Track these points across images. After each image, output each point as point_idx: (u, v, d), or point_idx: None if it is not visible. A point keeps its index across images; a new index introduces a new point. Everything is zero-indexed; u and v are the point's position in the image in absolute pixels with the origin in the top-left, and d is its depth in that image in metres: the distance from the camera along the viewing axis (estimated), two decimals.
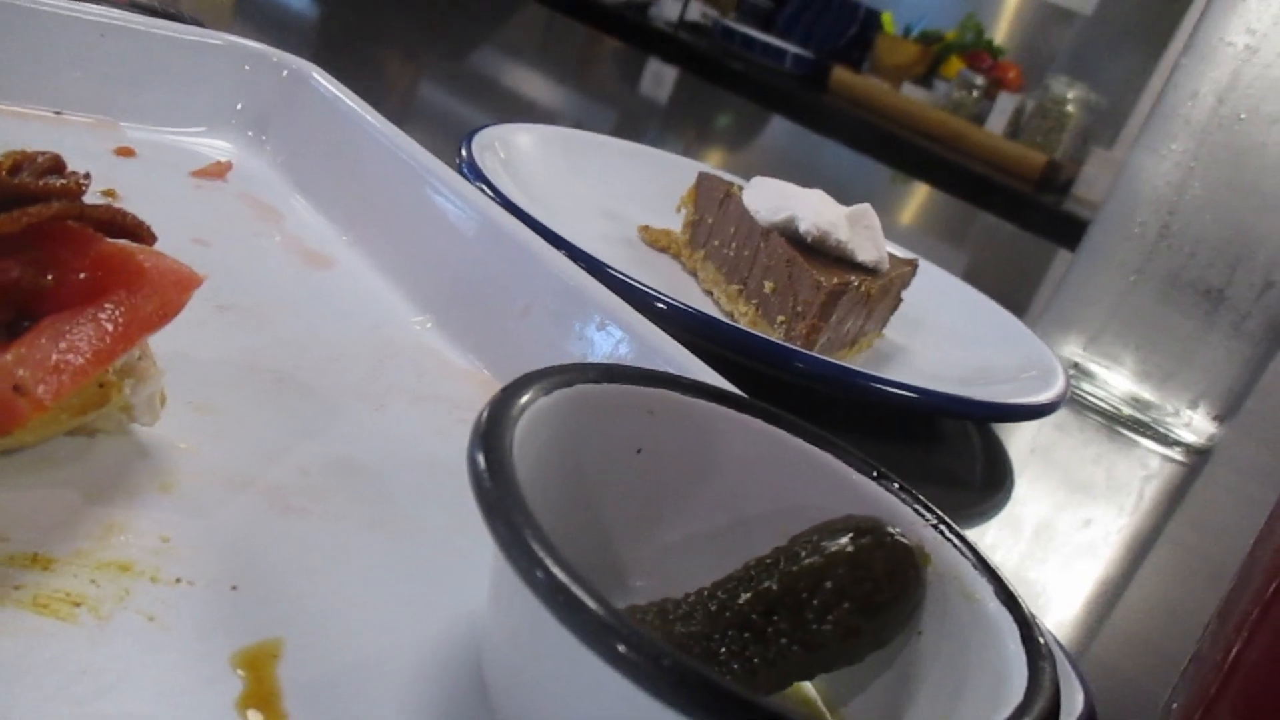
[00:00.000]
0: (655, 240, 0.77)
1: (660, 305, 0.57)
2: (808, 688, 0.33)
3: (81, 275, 0.30)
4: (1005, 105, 2.79)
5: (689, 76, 2.58)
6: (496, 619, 0.29)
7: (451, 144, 0.70)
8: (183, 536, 0.31)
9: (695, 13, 3.39)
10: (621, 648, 0.23)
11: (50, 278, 0.30)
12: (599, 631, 0.23)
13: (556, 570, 0.24)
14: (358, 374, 0.44)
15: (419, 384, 0.45)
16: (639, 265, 0.72)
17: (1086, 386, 0.81)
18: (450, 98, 1.32)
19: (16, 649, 0.26)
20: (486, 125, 0.75)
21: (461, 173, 0.64)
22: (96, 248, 0.31)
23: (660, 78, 2.48)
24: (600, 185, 0.81)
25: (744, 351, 0.56)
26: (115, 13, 0.64)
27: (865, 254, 0.64)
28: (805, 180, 0.72)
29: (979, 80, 2.89)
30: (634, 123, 1.76)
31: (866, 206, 0.66)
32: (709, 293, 0.71)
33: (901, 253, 0.74)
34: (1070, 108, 2.70)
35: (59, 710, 0.24)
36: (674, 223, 0.78)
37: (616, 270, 0.57)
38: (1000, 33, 3.25)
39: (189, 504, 0.32)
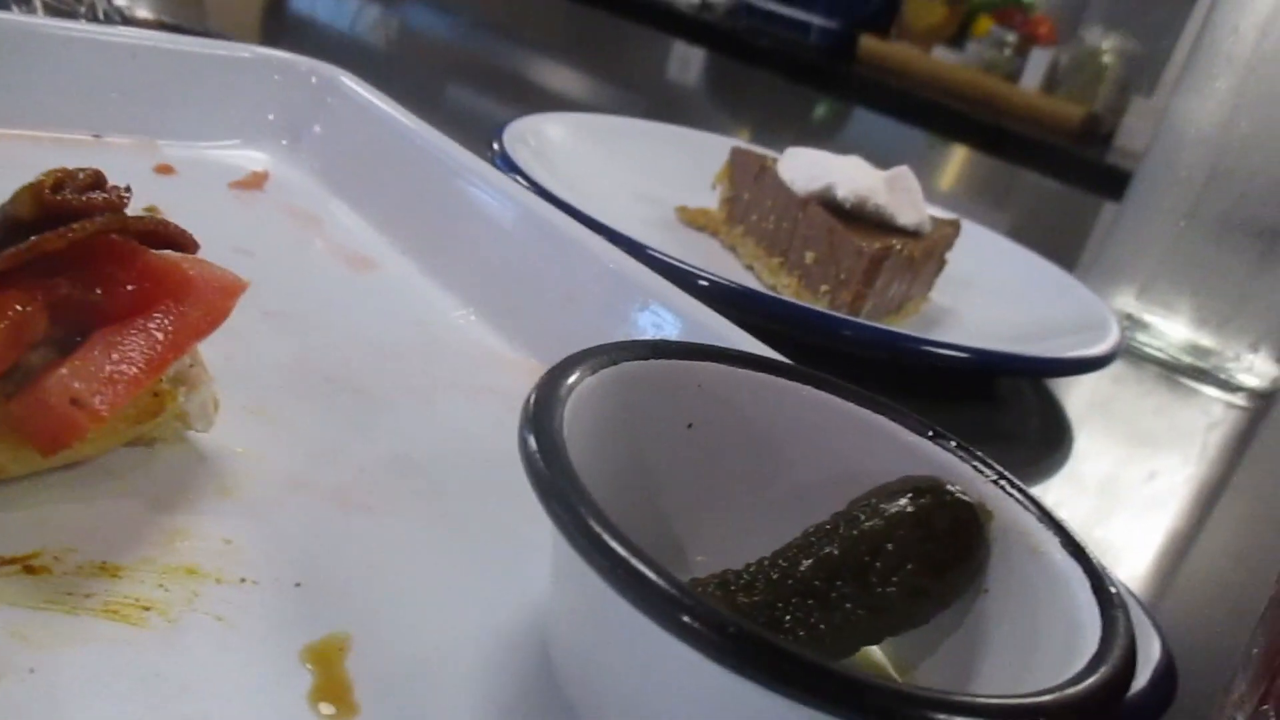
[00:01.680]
0: (693, 219, 0.76)
1: (702, 282, 0.56)
2: (875, 652, 0.33)
3: (129, 287, 0.30)
4: (1039, 60, 2.73)
5: (715, 57, 2.56)
6: (559, 601, 0.29)
7: (481, 139, 0.70)
8: (245, 538, 0.31)
9: None
10: (686, 618, 0.23)
11: (99, 292, 0.30)
12: (663, 604, 0.23)
13: (616, 546, 0.24)
14: (407, 370, 0.44)
15: (468, 377, 0.45)
16: (678, 245, 0.72)
17: (1142, 337, 0.80)
18: (473, 93, 1.32)
19: (90, 656, 0.26)
20: (517, 118, 0.75)
21: (495, 166, 0.64)
22: (142, 260, 0.31)
23: (686, 61, 2.46)
24: (634, 169, 0.80)
25: (790, 323, 0.55)
26: (145, 33, 0.65)
27: (906, 217, 0.63)
28: (840, 152, 0.72)
29: (1011, 37, 2.83)
30: (663, 107, 1.74)
31: (904, 169, 0.65)
32: (750, 267, 0.70)
33: (942, 214, 0.73)
34: (1107, 58, 2.64)
35: (136, 713, 0.25)
36: (710, 201, 0.77)
37: (656, 251, 0.57)
38: None
39: (249, 506, 0.33)
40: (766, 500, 0.36)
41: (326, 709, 0.27)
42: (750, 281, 0.68)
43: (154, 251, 0.32)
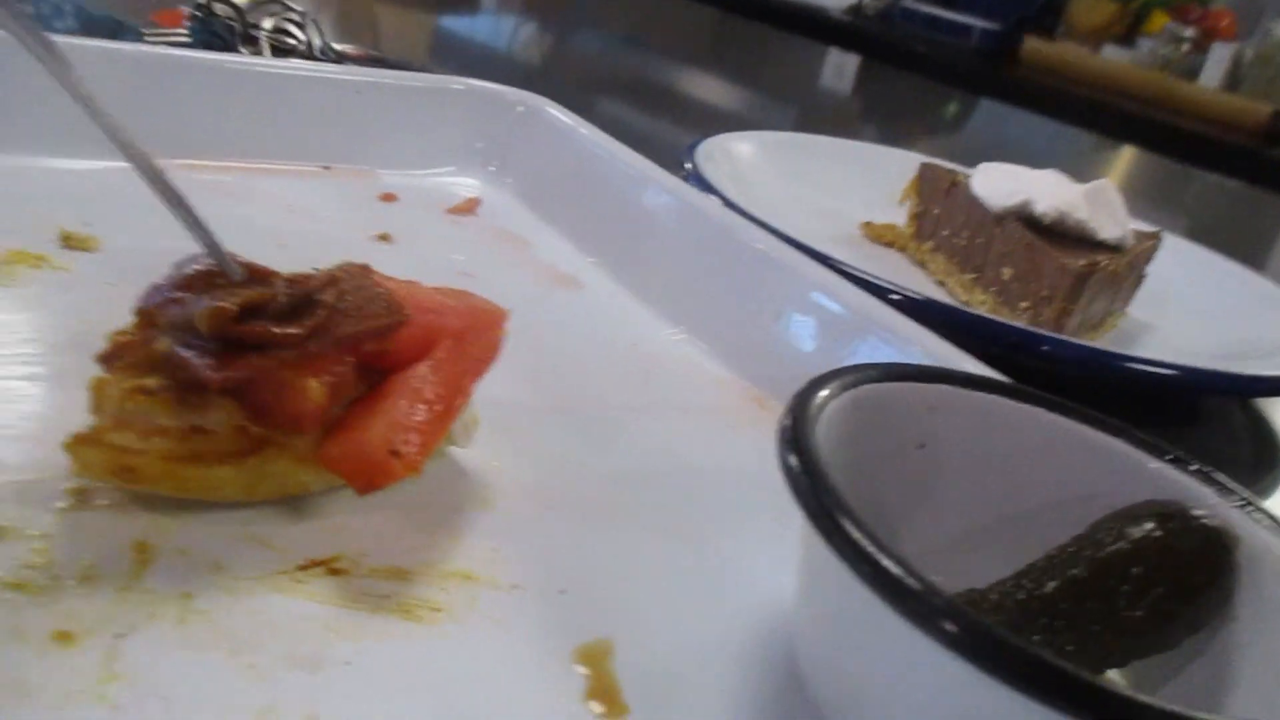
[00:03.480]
0: (879, 236, 0.77)
1: (894, 297, 0.57)
2: (1118, 676, 0.33)
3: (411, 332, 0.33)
4: (1220, 56, 2.60)
5: (871, 64, 2.53)
6: (812, 611, 0.30)
7: (659, 158, 0.72)
8: (510, 546, 0.34)
9: None
10: (959, 632, 0.24)
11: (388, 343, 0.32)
12: (935, 616, 0.24)
13: (885, 561, 0.25)
14: (628, 389, 0.47)
15: (684, 395, 0.47)
16: (866, 261, 0.72)
17: None
18: (631, 108, 1.35)
19: (393, 651, 0.29)
20: (683, 134, 0.77)
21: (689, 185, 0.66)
22: (416, 305, 0.34)
23: (841, 69, 2.44)
24: (816, 185, 0.81)
25: (991, 339, 0.55)
26: (366, 70, 0.69)
27: (1107, 231, 0.62)
28: (1000, 157, 0.71)
29: (1187, 32, 2.70)
30: (817, 117, 1.74)
31: (1105, 182, 0.64)
32: (941, 283, 0.70)
33: (1141, 226, 0.71)
34: None
35: (434, 705, 0.27)
36: (895, 217, 0.78)
37: (853, 267, 0.58)
38: None
39: (510, 517, 0.35)
40: (995, 521, 0.36)
41: (597, 707, 0.29)
42: (943, 298, 0.68)
43: (426, 289, 0.35)
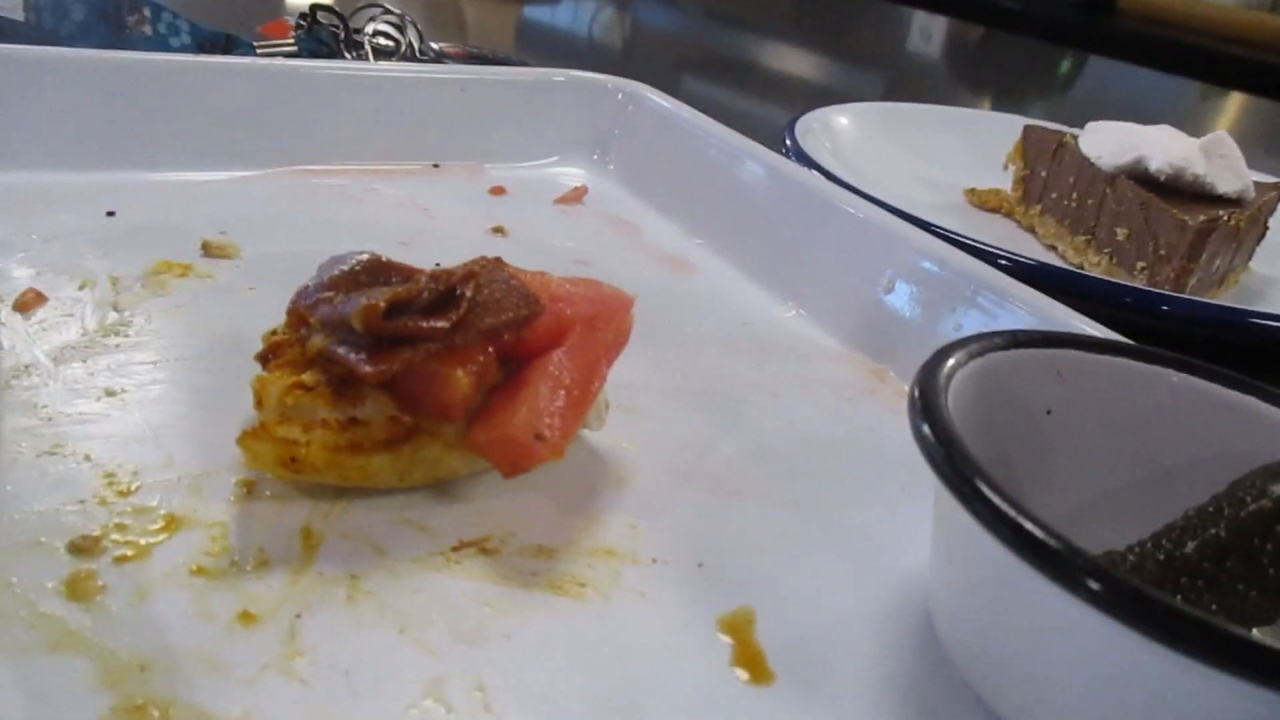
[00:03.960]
0: (984, 201, 0.76)
1: (1003, 262, 0.56)
2: (1259, 635, 0.33)
3: (546, 321, 0.34)
4: None
5: (958, 24, 2.48)
6: (949, 576, 0.31)
7: (756, 136, 0.72)
8: (647, 523, 0.35)
9: None
10: (1096, 585, 0.24)
11: (525, 332, 0.34)
12: (1077, 574, 0.24)
13: (1026, 523, 0.25)
14: (746, 366, 0.47)
15: (802, 370, 0.48)
16: (973, 228, 0.71)
17: None
18: (723, 86, 1.34)
19: (547, 625, 0.30)
20: (781, 110, 0.77)
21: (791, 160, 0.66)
22: (549, 295, 0.35)
23: (928, 32, 2.39)
24: (917, 154, 0.81)
25: (1108, 302, 0.55)
26: (471, 68, 0.71)
27: (1226, 185, 0.61)
28: (1106, 115, 0.69)
29: None
30: (907, 83, 1.71)
31: (1221, 134, 0.62)
32: (1052, 247, 0.69)
33: (1263, 178, 0.69)
34: None
35: (590, 675, 0.29)
36: (999, 181, 0.77)
37: (963, 236, 0.58)
38: None
39: (644, 494, 0.37)
40: (1127, 483, 0.36)
41: (743, 674, 0.30)
42: (1055, 262, 0.67)
43: (555, 279, 0.36)
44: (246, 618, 0.29)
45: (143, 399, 0.37)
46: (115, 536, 0.30)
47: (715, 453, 0.40)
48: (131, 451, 0.34)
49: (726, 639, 0.31)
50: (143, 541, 0.30)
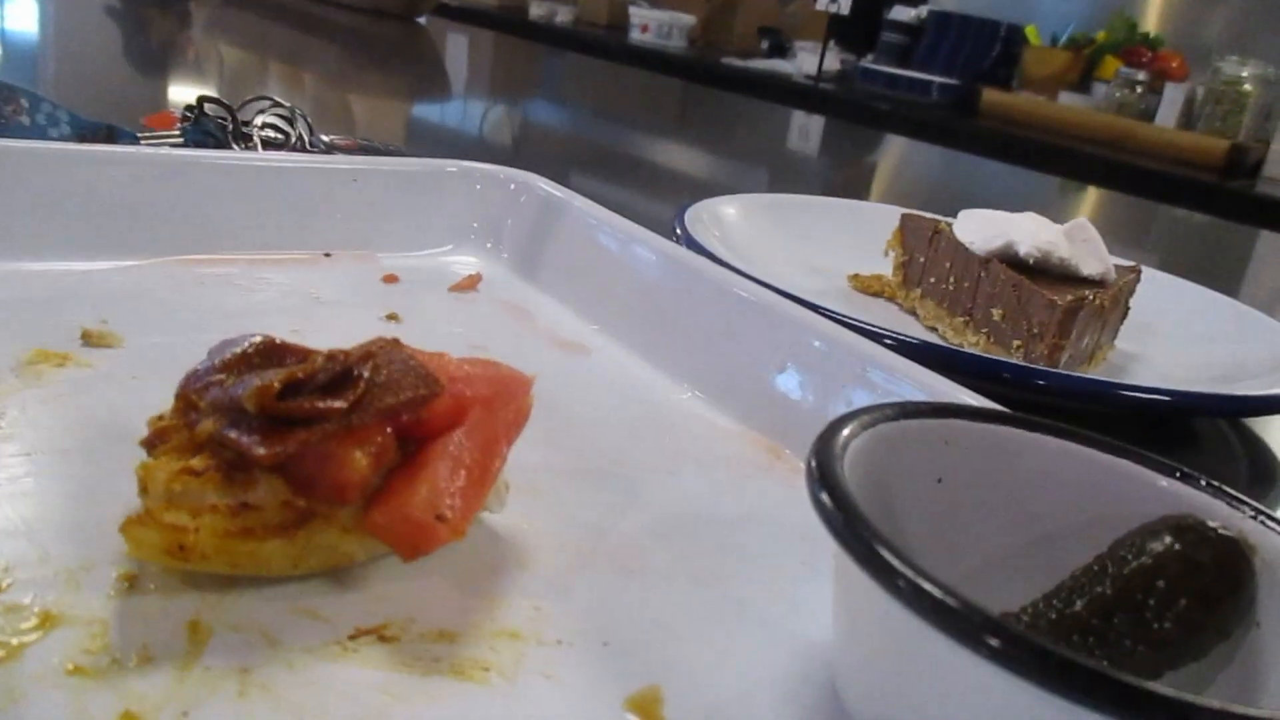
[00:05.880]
0: (867, 286, 0.79)
1: (888, 342, 0.58)
2: None
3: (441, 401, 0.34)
4: (1174, 96, 2.68)
5: (835, 123, 2.60)
6: (851, 643, 0.31)
7: (648, 226, 0.73)
8: (551, 604, 0.35)
9: (832, 61, 3.42)
10: (1006, 648, 0.25)
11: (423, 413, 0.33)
12: (978, 632, 0.25)
13: (925, 583, 0.26)
14: (645, 446, 0.48)
15: (699, 449, 0.48)
16: (858, 311, 0.74)
17: None
18: (611, 181, 1.38)
19: (451, 711, 0.29)
20: (689, 204, 0.79)
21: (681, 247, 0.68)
22: (447, 384, 0.35)
23: (807, 130, 2.50)
24: (801, 242, 0.83)
25: (988, 377, 0.57)
26: (361, 159, 0.71)
27: (1089, 267, 0.65)
28: (974, 204, 0.73)
29: (1140, 76, 2.79)
30: (788, 177, 1.78)
31: (1083, 220, 0.66)
32: (933, 329, 0.72)
33: (1121, 261, 0.73)
34: (1247, 86, 2.58)
35: None
36: (881, 267, 0.80)
37: (850, 317, 0.59)
38: (1153, 23, 3.14)
39: (547, 575, 0.36)
40: (1014, 548, 0.37)
41: None
42: (937, 342, 0.70)
43: (454, 360, 0.36)
44: (128, 718, 0.27)
45: (14, 492, 0.35)
46: None
47: (616, 531, 0.40)
48: (2, 547, 0.32)
49: (635, 718, 0.31)
50: (14, 641, 0.29)
